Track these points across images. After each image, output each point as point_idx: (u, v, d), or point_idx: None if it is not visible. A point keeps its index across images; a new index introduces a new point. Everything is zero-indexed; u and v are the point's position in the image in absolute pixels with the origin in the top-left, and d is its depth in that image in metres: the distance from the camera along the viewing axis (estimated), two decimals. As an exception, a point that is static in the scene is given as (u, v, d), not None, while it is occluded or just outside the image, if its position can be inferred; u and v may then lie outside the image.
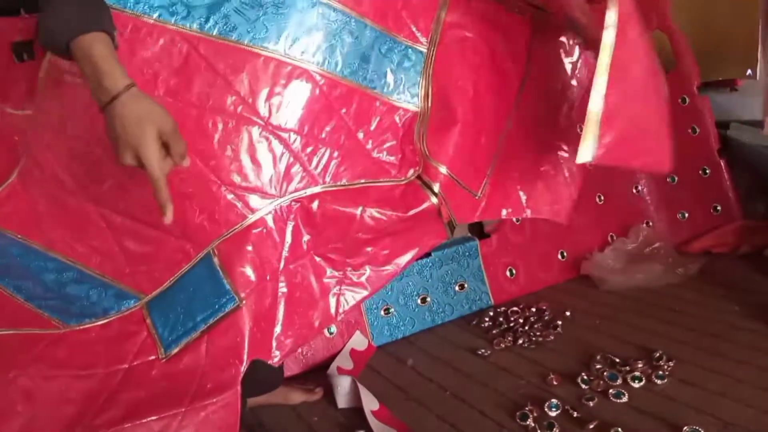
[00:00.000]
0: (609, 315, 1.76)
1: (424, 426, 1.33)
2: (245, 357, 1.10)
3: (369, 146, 1.30)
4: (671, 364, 1.42)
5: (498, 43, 1.54)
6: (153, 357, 1.11)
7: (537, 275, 2.04)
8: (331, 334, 1.70)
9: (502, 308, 1.89)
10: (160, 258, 1.16)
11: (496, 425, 1.30)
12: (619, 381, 1.39)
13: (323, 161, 1.23)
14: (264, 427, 1.41)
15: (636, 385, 1.37)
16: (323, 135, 1.23)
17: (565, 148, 1.66)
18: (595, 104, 1.24)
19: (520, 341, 1.66)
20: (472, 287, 1.93)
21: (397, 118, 1.34)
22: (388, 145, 1.34)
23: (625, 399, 1.32)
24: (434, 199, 1.37)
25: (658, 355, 1.46)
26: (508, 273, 1.99)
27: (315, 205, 1.21)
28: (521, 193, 1.56)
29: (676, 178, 2.23)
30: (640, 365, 1.43)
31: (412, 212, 1.35)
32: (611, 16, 1.25)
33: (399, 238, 1.36)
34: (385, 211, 1.30)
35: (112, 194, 1.14)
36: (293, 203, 1.19)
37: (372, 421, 1.34)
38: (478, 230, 2.03)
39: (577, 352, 1.57)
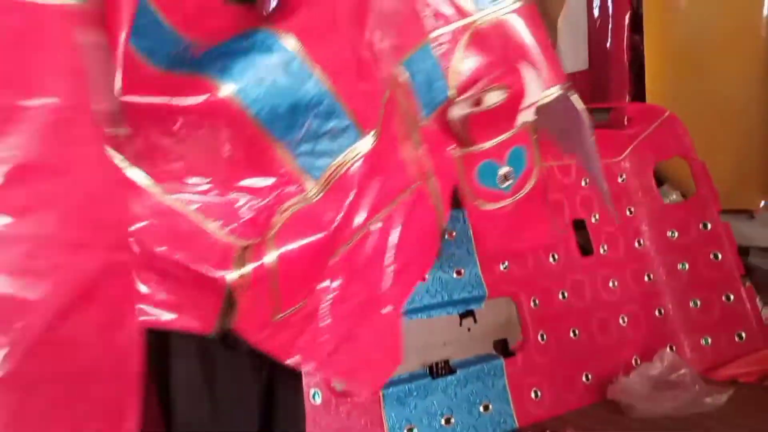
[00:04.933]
0: (641, 445, 1.72)
1: None
2: None
3: None
4: (712, 505, 1.38)
5: None
6: None
7: (562, 397, 1.99)
8: None
9: (528, 432, 1.84)
10: None
11: None
12: None
13: None
14: None
15: None
16: None
17: None
18: None
19: (551, 471, 1.61)
20: (497, 408, 1.89)
21: None
22: None
23: None
24: None
25: (698, 494, 1.42)
26: (533, 394, 1.95)
27: None
28: None
29: (699, 303, 2.23)
30: (680, 504, 1.38)
31: None
32: None
33: None
34: None
35: None
36: None
37: None
38: (503, 348, 2.01)
39: (611, 486, 1.52)
